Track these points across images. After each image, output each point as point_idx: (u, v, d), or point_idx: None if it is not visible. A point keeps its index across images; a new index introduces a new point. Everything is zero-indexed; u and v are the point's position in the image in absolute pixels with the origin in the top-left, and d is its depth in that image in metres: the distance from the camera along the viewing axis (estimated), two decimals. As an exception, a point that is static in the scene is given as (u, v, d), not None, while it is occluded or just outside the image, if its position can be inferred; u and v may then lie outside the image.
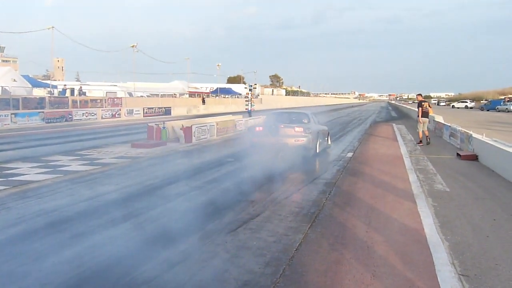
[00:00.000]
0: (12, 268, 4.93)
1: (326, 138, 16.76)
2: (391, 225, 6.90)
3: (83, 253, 5.35)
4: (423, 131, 18.95)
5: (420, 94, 20.64)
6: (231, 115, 28.59)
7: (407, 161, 13.82)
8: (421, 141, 18.90)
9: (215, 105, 61.29)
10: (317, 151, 14.47)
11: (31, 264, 5.00)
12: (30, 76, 55.98)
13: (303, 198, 8.55)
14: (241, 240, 5.96)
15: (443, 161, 13.96)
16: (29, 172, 10.85)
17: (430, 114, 24.61)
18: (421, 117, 18.90)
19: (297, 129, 13.80)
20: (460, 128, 18.06)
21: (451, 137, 19.60)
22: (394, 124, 33.96)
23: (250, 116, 29.47)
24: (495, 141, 13.13)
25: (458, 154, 15.10)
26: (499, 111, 66.87)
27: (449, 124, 21.77)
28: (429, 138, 18.87)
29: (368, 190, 9.59)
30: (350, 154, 15.45)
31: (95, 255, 5.31)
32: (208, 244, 5.75)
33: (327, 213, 7.53)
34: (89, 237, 5.96)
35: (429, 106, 19.86)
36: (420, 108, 19.14)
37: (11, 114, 27.38)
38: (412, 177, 11.08)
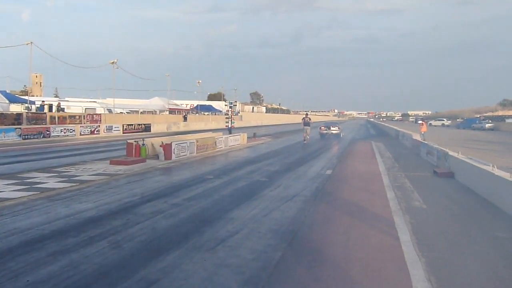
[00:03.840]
0: (-15, 288, 4.83)
1: (342, 133, 40.25)
2: (369, 242, 6.96)
3: (59, 272, 5.26)
4: None
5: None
6: (211, 132, 28.60)
7: (385, 178, 13.98)
8: None
9: (196, 122, 61.19)
10: (341, 136, 38.72)
11: (5, 284, 4.89)
12: (8, 91, 55.20)
13: (282, 216, 8.57)
14: (220, 258, 5.95)
15: (421, 178, 14.16)
16: (5, 189, 10.65)
17: (424, 131, 32.35)
18: None
19: (336, 127, 39.47)
20: (437, 146, 18.37)
21: (428, 155, 19.90)
22: (372, 142, 34.33)
23: (230, 133, 29.47)
24: (470, 158, 13.39)
25: (435, 171, 15.33)
26: (474, 129, 68.19)
27: (426, 142, 22.13)
28: None
29: (346, 207, 9.66)
30: (329, 172, 15.56)
31: (70, 274, 5.22)
32: (187, 262, 5.72)
33: (305, 231, 7.57)
34: (65, 256, 5.87)
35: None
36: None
37: (-13, 130, 26.89)
38: (390, 194, 11.21)
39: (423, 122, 36.43)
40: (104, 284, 4.97)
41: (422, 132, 32.92)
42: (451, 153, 15.32)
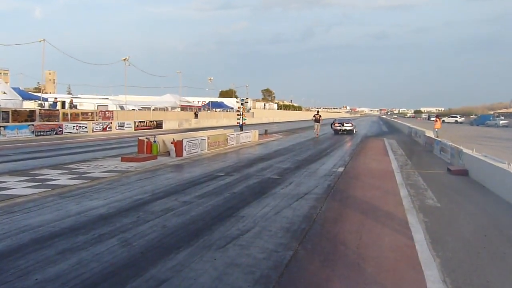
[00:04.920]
0: (-6, 286, 4.81)
1: (356, 129, 41.89)
2: (382, 241, 6.84)
3: (68, 271, 5.22)
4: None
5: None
6: (222, 129, 28.56)
7: (398, 176, 13.81)
8: None
9: (207, 119, 61.23)
10: (355, 132, 40.31)
11: (14, 282, 4.86)
12: (21, 88, 55.68)
13: (294, 214, 8.47)
14: (230, 257, 5.87)
15: (434, 176, 13.97)
16: (17, 186, 10.69)
17: (438, 128, 32.67)
18: None
19: (350, 123, 40.45)
20: (451, 143, 18.13)
21: (441, 152, 19.65)
22: (385, 139, 34.06)
23: (241, 130, 29.41)
24: (485, 156, 13.17)
25: (448, 169, 15.12)
26: (488, 126, 67.48)
27: (439, 139, 21.87)
28: None
29: (359, 205, 9.54)
30: (341, 169, 15.42)
31: (79, 272, 5.18)
32: (197, 261, 5.65)
33: (317, 229, 7.46)
34: (75, 254, 5.83)
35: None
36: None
37: (0, 126, 27.12)
38: (403, 192, 11.05)
39: (437, 119, 36.04)
40: (113, 283, 4.92)
41: (436, 129, 32.58)
42: (465, 150, 15.11)
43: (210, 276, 5.18)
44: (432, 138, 24.94)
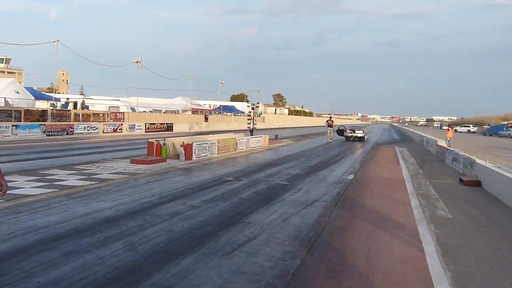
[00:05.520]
0: (-5, 287, 4.74)
1: (367, 136, 41.45)
2: (392, 252, 6.68)
3: (71, 274, 5.14)
4: None
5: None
6: (232, 133, 28.49)
7: (409, 185, 13.62)
8: None
9: (218, 122, 61.27)
10: (366, 139, 39.98)
11: (16, 285, 4.79)
12: (34, 88, 56.15)
13: (302, 221, 8.34)
14: (236, 264, 5.75)
15: (446, 186, 13.75)
16: (25, 186, 10.68)
17: (450, 137, 32.71)
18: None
19: (361, 130, 40.27)
20: (463, 153, 17.88)
21: (453, 162, 19.40)
22: (396, 147, 33.77)
23: (252, 134, 29.31)
24: (499, 167, 12.94)
25: (461, 179, 14.89)
26: (501, 136, 66.72)
27: (451, 149, 21.60)
28: None
29: (368, 214, 9.38)
30: (351, 177, 15.25)
31: (83, 276, 5.09)
32: (202, 268, 5.54)
33: (326, 238, 7.33)
34: (79, 257, 5.75)
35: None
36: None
37: (12, 126, 27.30)
38: (414, 202, 10.87)
39: (449, 128, 35.69)
40: (116, 288, 4.82)
41: (448, 138, 32.26)
42: (478, 161, 14.86)
43: (215, 283, 5.07)
44: (444, 147, 24.66)
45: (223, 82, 78.25)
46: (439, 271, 5.84)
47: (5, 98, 35.37)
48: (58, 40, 38.23)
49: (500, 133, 69.83)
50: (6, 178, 11.36)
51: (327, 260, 6.14)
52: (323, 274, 5.58)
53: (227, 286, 5.00)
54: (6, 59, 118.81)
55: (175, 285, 4.96)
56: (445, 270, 5.91)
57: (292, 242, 6.92)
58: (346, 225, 8.30)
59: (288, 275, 5.45)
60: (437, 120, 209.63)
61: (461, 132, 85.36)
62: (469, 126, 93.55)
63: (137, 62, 48.89)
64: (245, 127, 37.57)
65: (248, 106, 43.86)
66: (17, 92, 39.32)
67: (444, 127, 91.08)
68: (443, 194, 12.20)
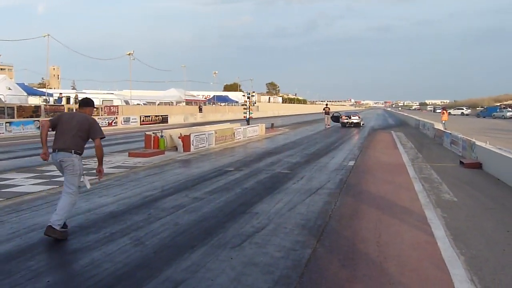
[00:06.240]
0: (4, 289, 4.62)
1: (363, 122, 41.72)
2: (402, 238, 6.61)
3: (81, 272, 5.04)
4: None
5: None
6: (229, 123, 28.35)
7: (410, 170, 13.57)
8: None
9: (212, 113, 61.01)
10: (362, 124, 40.54)
11: (25, 285, 4.66)
12: (26, 84, 55.56)
13: (308, 210, 8.26)
14: (247, 256, 5.66)
15: (447, 169, 13.72)
16: (24, 183, 10.54)
17: (445, 120, 32.62)
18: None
19: (356, 116, 40.59)
20: (462, 136, 17.85)
21: (452, 145, 19.37)
22: (392, 132, 33.76)
23: (248, 124, 29.18)
24: (499, 149, 12.91)
25: (461, 162, 14.87)
26: (495, 118, 66.99)
27: (449, 132, 21.58)
28: None
29: (373, 200, 9.31)
30: (351, 163, 15.19)
31: (92, 273, 4.98)
32: (213, 261, 5.44)
33: (334, 226, 7.25)
34: (86, 254, 5.63)
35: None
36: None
37: (6, 122, 27.00)
38: (418, 186, 10.82)
39: (444, 111, 35.70)
40: (129, 284, 4.71)
41: (443, 121, 32.28)
42: (478, 143, 14.82)
43: (228, 276, 4.97)
44: (441, 130, 24.66)
45: (216, 72, 77.83)
46: (452, 256, 5.78)
47: (-3, 95, 34.97)
48: (49, 35, 37.71)
49: (493, 115, 70.11)
50: (4, 175, 11.28)
51: (338, 249, 6.06)
52: (336, 263, 5.50)
53: (241, 279, 4.91)
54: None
55: (188, 279, 4.86)
56: (458, 254, 5.84)
57: (301, 232, 6.83)
58: (353, 212, 8.23)
59: (301, 265, 5.37)
60: (430, 103, 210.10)
61: (454, 115, 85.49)
62: (463, 109, 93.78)
63: (129, 54, 48.42)
64: (239, 116, 37.43)
65: (243, 96, 43.67)
66: (9, 89, 38.84)
67: (438, 111, 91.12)
68: (445, 177, 12.15)
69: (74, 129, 6.61)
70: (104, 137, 6.95)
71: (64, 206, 6.36)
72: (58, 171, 6.81)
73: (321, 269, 5.29)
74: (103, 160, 7.09)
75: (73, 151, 6.61)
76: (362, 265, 5.45)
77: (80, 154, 6.74)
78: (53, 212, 6.33)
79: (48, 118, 29.50)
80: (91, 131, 6.74)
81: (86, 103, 7.11)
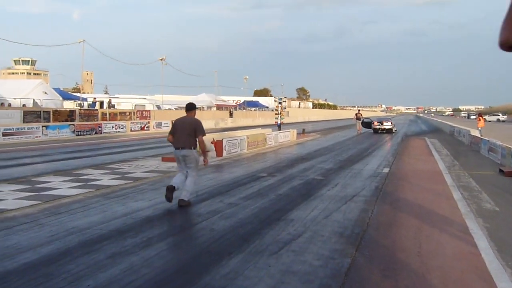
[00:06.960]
0: (46, 292, 4.66)
1: (395, 128, 41.07)
2: (444, 248, 6.41)
3: (120, 277, 5.04)
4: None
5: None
6: (260, 129, 28.34)
7: (447, 178, 13.24)
8: None
9: (243, 118, 61.21)
10: (394, 131, 39.54)
11: (66, 288, 4.70)
12: (61, 89, 56.94)
13: (344, 217, 8.11)
14: (285, 264, 5.57)
15: (486, 178, 13.33)
16: (61, 186, 10.70)
17: (481, 127, 31.94)
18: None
19: (389, 122, 40.16)
20: (501, 143, 17.34)
21: (490, 152, 18.85)
22: (426, 138, 33.14)
23: (279, 129, 29.10)
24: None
25: (500, 170, 14.42)
26: (533, 124, 64.99)
27: (487, 139, 21.01)
28: None
29: (411, 208, 9.10)
30: (386, 170, 14.93)
31: (132, 278, 4.97)
32: (251, 268, 5.38)
33: (372, 234, 7.09)
34: (125, 258, 5.65)
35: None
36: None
37: (42, 126, 27.67)
38: (456, 194, 10.53)
39: (480, 117, 34.84)
40: (167, 291, 4.69)
41: (479, 128, 31.50)
42: (519, 151, 14.36)
43: (267, 284, 4.89)
44: (478, 137, 24.05)
45: (247, 77, 78.10)
46: (498, 268, 5.55)
47: (33, 99, 35.93)
48: (84, 40, 38.62)
49: (531, 121, 68.07)
50: (41, 178, 11.48)
51: (378, 258, 5.91)
52: (377, 273, 5.36)
53: (280, 287, 4.83)
54: (31, 60, 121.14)
55: (227, 286, 4.81)
56: (504, 266, 5.61)
57: (339, 240, 6.71)
58: (391, 221, 8.05)
59: (341, 274, 5.25)
60: (464, 109, 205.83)
61: (490, 121, 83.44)
62: (499, 115, 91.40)
63: (161, 60, 49.07)
64: (270, 122, 37.35)
65: (275, 101, 43.63)
66: (45, 93, 39.88)
67: (472, 117, 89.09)
68: (484, 186, 11.80)
69: (187, 130, 8.72)
70: (205, 135, 9.03)
71: (191, 184, 8.73)
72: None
73: (362, 279, 5.16)
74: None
75: (192, 147, 8.72)
76: (404, 275, 5.30)
77: (195, 148, 8.82)
78: (181, 190, 8.63)
79: (83, 122, 30.14)
80: (197, 130, 8.72)
81: (191, 107, 9.22)
